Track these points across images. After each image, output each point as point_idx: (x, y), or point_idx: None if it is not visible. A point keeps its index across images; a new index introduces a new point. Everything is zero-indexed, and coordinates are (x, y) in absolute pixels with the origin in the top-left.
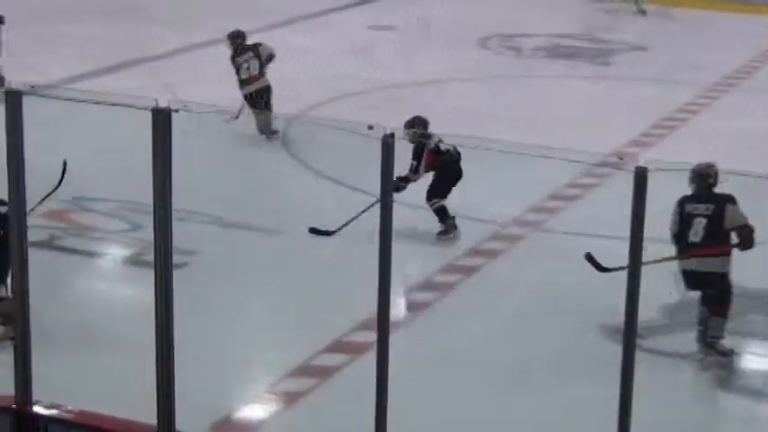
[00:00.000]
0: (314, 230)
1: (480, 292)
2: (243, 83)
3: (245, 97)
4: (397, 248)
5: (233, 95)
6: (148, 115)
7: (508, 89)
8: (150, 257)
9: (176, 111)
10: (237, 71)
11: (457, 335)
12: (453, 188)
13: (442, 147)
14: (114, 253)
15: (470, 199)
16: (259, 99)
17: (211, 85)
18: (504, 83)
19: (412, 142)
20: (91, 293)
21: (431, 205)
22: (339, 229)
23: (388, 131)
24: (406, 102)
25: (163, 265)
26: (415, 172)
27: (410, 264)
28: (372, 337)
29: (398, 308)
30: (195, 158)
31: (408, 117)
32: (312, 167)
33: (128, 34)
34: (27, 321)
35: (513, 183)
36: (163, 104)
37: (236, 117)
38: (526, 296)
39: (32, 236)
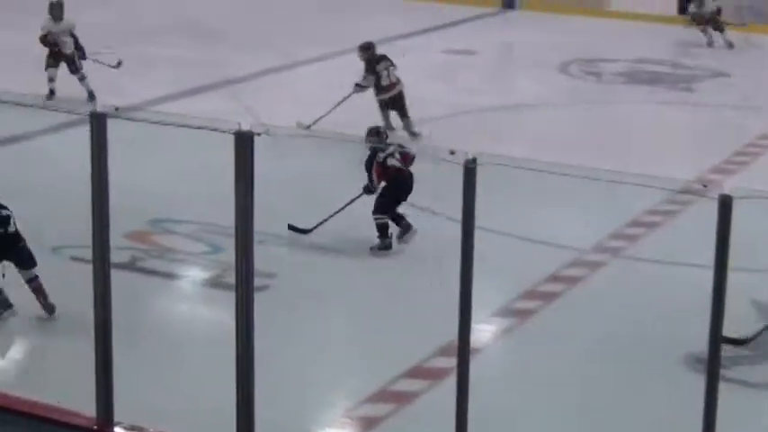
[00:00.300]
0: (291, 228)
1: (560, 318)
2: (383, 89)
3: (382, 102)
4: (476, 273)
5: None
6: (230, 138)
7: (589, 114)
8: (230, 279)
9: (258, 134)
10: (378, 79)
11: (537, 362)
12: (403, 202)
13: (389, 162)
14: (194, 275)
15: (550, 224)
16: (396, 103)
17: (292, 108)
18: (585, 108)
19: (369, 151)
20: (171, 315)
21: (374, 219)
22: (315, 227)
23: (470, 156)
24: (485, 126)
25: (244, 287)
26: (371, 182)
27: (489, 289)
28: (452, 362)
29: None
30: (275, 181)
31: (481, 141)
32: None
33: (210, 58)
34: (109, 343)
35: (594, 209)
36: (245, 128)
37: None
38: (607, 324)
39: (114, 257)
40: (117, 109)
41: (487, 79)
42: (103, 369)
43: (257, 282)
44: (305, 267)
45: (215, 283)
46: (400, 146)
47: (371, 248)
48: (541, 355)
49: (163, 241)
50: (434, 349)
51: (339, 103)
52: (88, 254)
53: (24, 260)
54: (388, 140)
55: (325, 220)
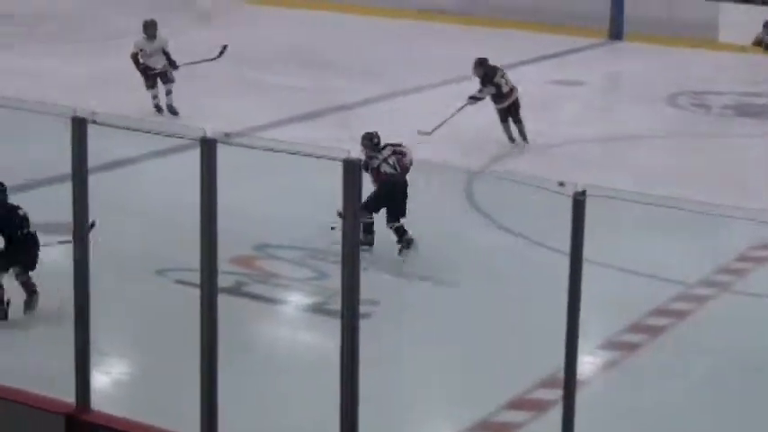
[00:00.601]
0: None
1: (667, 353)
2: (504, 96)
3: (503, 110)
4: (581, 304)
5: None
6: (338, 165)
7: (697, 147)
8: (334, 306)
9: None
10: (498, 88)
11: (643, 396)
12: (399, 209)
13: (382, 168)
14: (298, 301)
15: (656, 257)
16: (515, 109)
17: (400, 136)
18: (693, 141)
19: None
20: (275, 340)
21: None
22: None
23: (579, 188)
24: (591, 158)
25: (350, 314)
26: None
27: (594, 321)
28: (554, 394)
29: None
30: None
31: (586, 172)
32: (496, 221)
33: (319, 85)
34: (214, 367)
35: (700, 242)
36: (354, 156)
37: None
38: (714, 359)
39: (219, 281)
40: (227, 135)
41: (594, 110)
42: (208, 393)
43: (360, 309)
44: (407, 295)
45: (319, 309)
46: (396, 152)
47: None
48: (647, 389)
49: (268, 266)
50: (537, 380)
51: (454, 114)
52: (193, 277)
53: (32, 263)
54: (385, 145)
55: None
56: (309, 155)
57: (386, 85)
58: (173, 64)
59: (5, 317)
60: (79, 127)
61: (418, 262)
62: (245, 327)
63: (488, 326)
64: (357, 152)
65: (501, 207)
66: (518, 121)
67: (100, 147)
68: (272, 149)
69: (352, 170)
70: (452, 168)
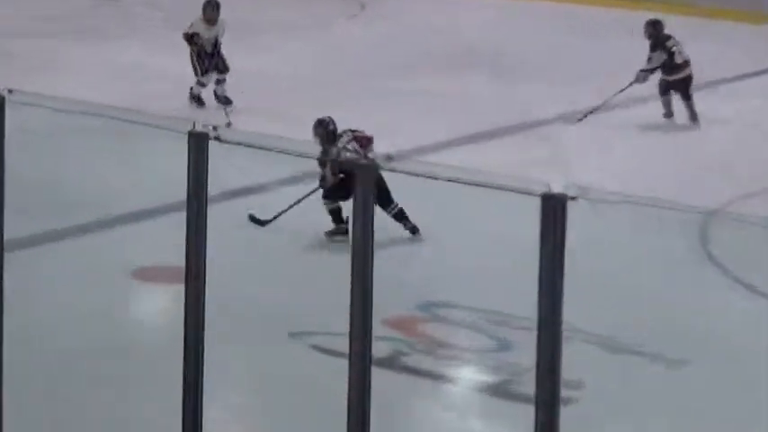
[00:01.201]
0: (252, 218)
1: None
2: (676, 68)
3: (667, 83)
4: None
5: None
6: (533, 200)
7: None
8: (523, 389)
9: (572, 198)
10: (670, 57)
11: None
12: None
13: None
14: (474, 379)
15: None
16: (685, 85)
17: (602, 159)
18: None
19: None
20: (441, 430)
21: (324, 204)
22: (274, 218)
23: None
24: None
25: (548, 403)
26: (323, 177)
27: None
28: None
29: None
30: (590, 257)
31: None
32: (739, 277)
33: (506, 96)
34: None
35: None
36: (556, 189)
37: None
38: None
39: (375, 350)
40: (390, 158)
41: None
42: None
43: (562, 392)
44: (621, 375)
45: (500, 391)
46: (357, 137)
47: (326, 233)
48: None
49: (433, 332)
50: None
51: (617, 93)
52: (333, 343)
53: None
54: (344, 131)
55: (283, 212)
56: (490, 185)
57: (592, 94)
58: (222, 60)
59: None
60: (197, 143)
61: (631, 328)
62: (403, 410)
63: (724, 418)
64: (558, 183)
65: (745, 258)
66: (688, 98)
67: (224, 168)
68: (445, 179)
69: (553, 207)
70: (683, 207)
